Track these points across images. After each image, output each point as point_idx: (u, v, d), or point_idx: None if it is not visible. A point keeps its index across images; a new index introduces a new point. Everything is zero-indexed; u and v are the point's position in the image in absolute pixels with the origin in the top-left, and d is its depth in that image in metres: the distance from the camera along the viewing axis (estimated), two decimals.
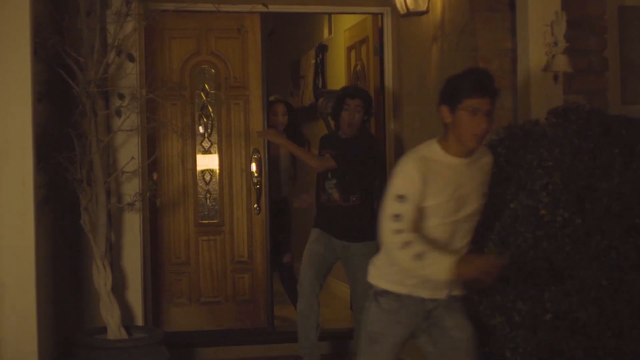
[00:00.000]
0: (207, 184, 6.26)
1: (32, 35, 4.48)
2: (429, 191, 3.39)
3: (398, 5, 5.80)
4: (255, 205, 6.26)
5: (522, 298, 3.92)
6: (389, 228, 3.40)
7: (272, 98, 6.82)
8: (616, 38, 5.29)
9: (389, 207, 3.40)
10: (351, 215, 5.49)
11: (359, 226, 5.45)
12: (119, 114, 4.99)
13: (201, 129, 6.24)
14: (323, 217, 5.62)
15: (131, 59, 5.04)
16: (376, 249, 5.32)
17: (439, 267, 3.34)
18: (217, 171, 6.27)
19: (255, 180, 6.25)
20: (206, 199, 6.25)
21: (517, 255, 3.95)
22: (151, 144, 5.90)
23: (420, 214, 3.41)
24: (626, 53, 5.28)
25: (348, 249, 5.48)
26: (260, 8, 5.72)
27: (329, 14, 8.27)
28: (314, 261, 5.55)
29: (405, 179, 3.41)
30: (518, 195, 4.00)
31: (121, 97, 5.02)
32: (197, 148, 6.24)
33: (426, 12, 5.69)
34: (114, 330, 4.89)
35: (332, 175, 5.54)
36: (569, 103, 4.63)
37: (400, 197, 3.37)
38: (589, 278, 3.88)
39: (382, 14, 6.40)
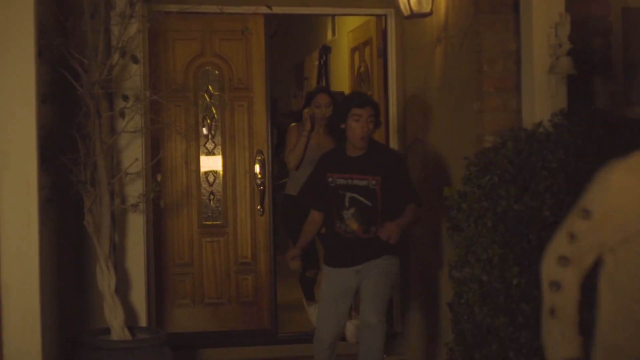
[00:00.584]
0: (210, 185, 6.26)
1: (36, 37, 4.48)
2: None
3: (402, 6, 5.79)
4: (259, 207, 6.26)
5: (526, 299, 3.92)
6: (553, 250, 2.50)
7: (313, 89, 6.39)
8: (620, 39, 5.29)
9: (565, 222, 2.49)
10: (369, 247, 4.85)
11: (377, 253, 4.86)
12: (122, 115, 5.00)
13: (205, 131, 6.25)
14: (336, 249, 4.97)
15: (135, 60, 5.04)
16: (395, 260, 4.88)
17: (555, 343, 2.49)
18: (221, 172, 6.27)
19: (258, 181, 6.25)
20: (210, 200, 6.26)
21: (521, 257, 3.96)
22: (155, 145, 5.91)
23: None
24: (630, 54, 5.27)
25: (364, 267, 4.90)
26: (263, 10, 5.73)
27: (333, 16, 8.28)
28: (332, 312, 4.94)
29: (602, 188, 2.41)
30: (522, 196, 4.00)
31: (125, 98, 5.02)
32: (200, 149, 6.25)
33: (430, 13, 5.69)
34: (118, 331, 4.89)
35: (350, 203, 4.85)
36: (573, 105, 4.64)
37: (585, 212, 2.41)
38: (593, 279, 3.88)
39: (385, 16, 6.40)
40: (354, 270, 4.90)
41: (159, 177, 5.41)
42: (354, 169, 4.85)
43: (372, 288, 4.85)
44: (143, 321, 5.28)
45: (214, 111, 6.26)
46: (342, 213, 4.88)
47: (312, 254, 6.24)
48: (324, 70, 8.77)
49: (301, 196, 5.15)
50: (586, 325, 3.87)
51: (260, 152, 6.25)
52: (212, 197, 6.26)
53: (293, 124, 6.30)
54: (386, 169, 4.81)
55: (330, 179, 4.90)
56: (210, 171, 6.27)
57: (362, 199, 4.82)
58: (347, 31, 7.77)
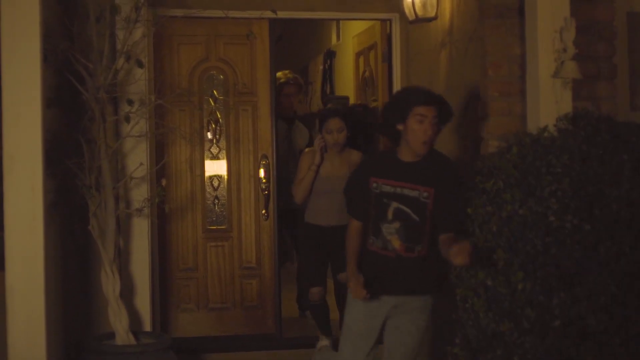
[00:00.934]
0: (215, 189, 6.26)
1: (41, 41, 4.50)
2: None
3: (407, 11, 5.80)
4: (264, 211, 6.26)
5: (531, 304, 3.91)
6: None
7: (328, 105, 5.95)
8: (625, 44, 5.29)
9: None
10: (412, 269, 4.15)
11: (420, 279, 4.20)
12: (127, 119, 5.00)
13: (209, 135, 6.25)
14: (370, 271, 4.17)
15: (140, 65, 5.05)
16: (431, 305, 4.30)
17: None
18: (226, 177, 6.27)
19: (263, 186, 6.25)
20: (214, 204, 6.26)
21: (526, 262, 3.95)
22: (160, 149, 5.91)
23: None
24: (635, 59, 5.28)
25: (401, 305, 4.25)
26: (268, 14, 5.73)
27: (338, 20, 8.28)
28: (361, 349, 4.26)
29: None
30: (527, 201, 4.00)
31: (130, 103, 5.03)
32: (205, 154, 6.25)
33: (435, 18, 5.70)
34: (122, 335, 4.90)
35: (395, 216, 4.14)
36: (578, 109, 4.64)
37: None
38: (599, 284, 3.88)
39: (390, 20, 6.41)
40: (389, 304, 4.22)
41: (163, 182, 5.42)
42: (405, 177, 4.12)
43: (400, 349, 4.26)
44: (147, 326, 5.29)
45: (218, 116, 6.27)
46: (380, 226, 4.17)
47: (320, 267, 5.86)
48: (329, 74, 8.77)
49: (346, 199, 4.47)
50: (590, 332, 3.88)
51: (264, 156, 6.25)
52: (216, 201, 6.26)
53: (307, 149, 6.00)
54: (441, 181, 4.11)
55: (374, 184, 4.17)
56: (215, 175, 6.28)
57: (410, 211, 4.12)
58: (351, 36, 7.78)
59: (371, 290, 4.12)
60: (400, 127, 4.12)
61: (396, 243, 4.12)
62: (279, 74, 6.83)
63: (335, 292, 5.90)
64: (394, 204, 4.12)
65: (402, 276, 4.14)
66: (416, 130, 4.06)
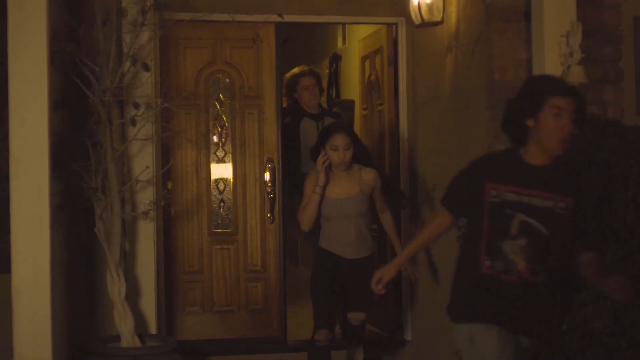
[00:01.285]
0: (221, 193, 6.26)
1: (48, 44, 4.51)
2: None
3: (413, 15, 5.80)
4: (269, 215, 6.26)
5: None
6: None
7: (328, 126, 5.31)
8: (631, 48, 5.29)
9: None
10: (537, 301, 3.42)
11: (542, 315, 3.48)
12: (134, 123, 5.01)
13: (215, 138, 6.25)
14: (488, 300, 3.43)
15: (146, 68, 5.06)
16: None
17: None
18: (231, 180, 6.27)
19: (269, 189, 6.25)
20: (220, 208, 6.26)
21: None
22: (166, 153, 5.92)
23: None
24: None
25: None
26: (275, 18, 5.74)
27: (343, 24, 8.28)
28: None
29: None
30: None
31: (136, 106, 5.04)
32: (211, 157, 6.25)
33: (441, 22, 5.69)
34: (128, 338, 4.90)
35: (520, 231, 3.38)
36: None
37: None
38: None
39: (396, 24, 6.41)
40: (529, 343, 3.48)
41: (169, 185, 5.42)
42: (535, 183, 3.39)
43: None
44: (153, 328, 5.29)
45: (224, 119, 6.27)
46: (500, 244, 3.40)
47: (331, 308, 5.27)
48: (334, 78, 8.77)
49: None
50: (596, 335, 3.87)
51: (270, 160, 6.25)
52: (222, 204, 6.27)
53: (313, 170, 5.33)
54: (581, 188, 3.42)
55: (493, 192, 3.41)
56: (221, 179, 6.28)
57: (538, 225, 3.37)
58: (357, 39, 7.77)
59: (479, 316, 3.45)
60: (530, 122, 3.41)
61: (521, 264, 3.36)
62: (294, 69, 6.74)
63: (343, 334, 5.45)
64: (520, 216, 3.38)
65: (525, 310, 3.41)
66: (552, 125, 3.34)
